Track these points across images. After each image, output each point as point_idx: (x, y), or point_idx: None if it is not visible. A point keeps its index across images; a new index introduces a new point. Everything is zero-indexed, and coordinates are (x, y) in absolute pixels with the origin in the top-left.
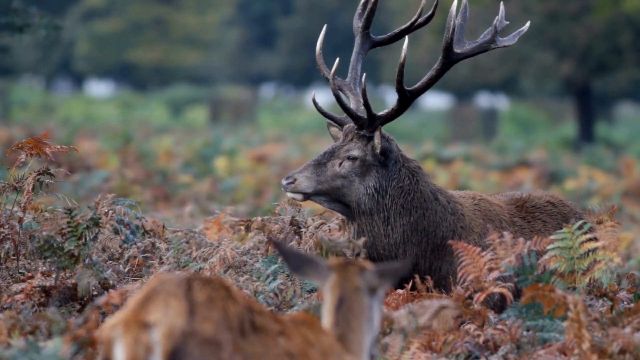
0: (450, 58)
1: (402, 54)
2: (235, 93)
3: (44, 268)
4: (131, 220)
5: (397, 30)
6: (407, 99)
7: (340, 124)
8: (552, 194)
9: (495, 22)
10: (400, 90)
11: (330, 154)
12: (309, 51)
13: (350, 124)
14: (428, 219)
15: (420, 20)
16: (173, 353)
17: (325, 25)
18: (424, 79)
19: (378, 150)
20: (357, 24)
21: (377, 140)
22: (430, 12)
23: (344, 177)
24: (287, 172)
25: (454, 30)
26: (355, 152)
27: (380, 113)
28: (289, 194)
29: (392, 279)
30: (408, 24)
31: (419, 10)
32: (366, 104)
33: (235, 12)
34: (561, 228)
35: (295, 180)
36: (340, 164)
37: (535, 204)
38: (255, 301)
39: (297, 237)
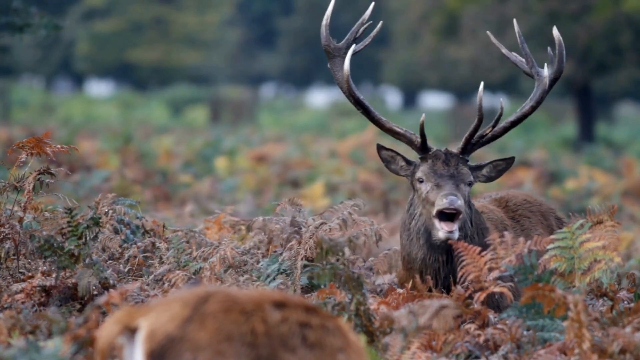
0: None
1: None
2: (235, 93)
3: (44, 268)
4: (131, 220)
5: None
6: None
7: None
8: (526, 192)
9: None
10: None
11: (458, 179)
12: (309, 51)
13: (440, 149)
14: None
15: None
16: (153, 354)
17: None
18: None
19: (483, 179)
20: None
21: (487, 170)
22: (367, 19)
23: (467, 202)
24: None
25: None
26: (472, 178)
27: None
28: (454, 232)
29: None
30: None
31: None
32: (423, 135)
33: (235, 12)
34: (542, 224)
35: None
36: (464, 188)
37: (515, 202)
38: (320, 315)
39: (297, 236)
